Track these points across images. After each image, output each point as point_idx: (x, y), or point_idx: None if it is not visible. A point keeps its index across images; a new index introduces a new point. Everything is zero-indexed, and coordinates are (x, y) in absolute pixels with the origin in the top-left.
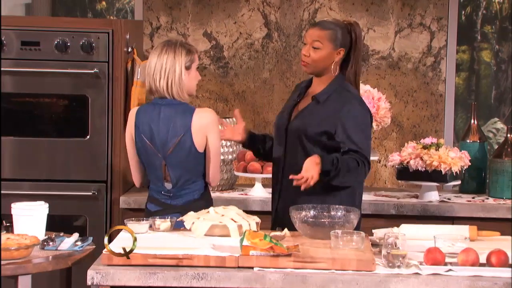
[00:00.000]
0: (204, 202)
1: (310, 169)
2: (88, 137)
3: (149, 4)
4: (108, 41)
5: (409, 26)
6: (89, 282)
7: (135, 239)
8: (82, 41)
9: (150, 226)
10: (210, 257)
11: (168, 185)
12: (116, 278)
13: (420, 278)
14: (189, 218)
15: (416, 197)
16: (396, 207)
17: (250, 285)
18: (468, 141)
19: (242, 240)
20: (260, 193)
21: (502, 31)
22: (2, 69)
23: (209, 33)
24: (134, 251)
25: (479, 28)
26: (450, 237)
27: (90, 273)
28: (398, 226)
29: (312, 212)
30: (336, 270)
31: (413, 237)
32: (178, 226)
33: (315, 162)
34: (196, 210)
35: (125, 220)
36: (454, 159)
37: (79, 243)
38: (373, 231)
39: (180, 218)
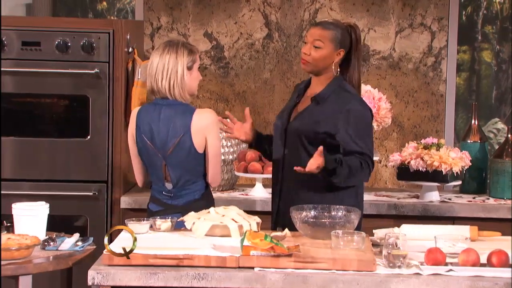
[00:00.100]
0: (205, 202)
1: (315, 160)
2: (88, 137)
3: (149, 4)
4: (108, 41)
5: (410, 26)
6: (89, 282)
7: (135, 239)
8: (83, 41)
9: (151, 226)
10: (211, 257)
11: (169, 185)
12: (117, 278)
13: (420, 278)
14: (190, 218)
15: (417, 197)
16: (397, 207)
17: (250, 285)
18: (468, 141)
19: (242, 240)
20: (261, 193)
21: (503, 31)
22: (2, 69)
23: (210, 33)
24: (135, 251)
25: (480, 28)
26: (451, 237)
27: (91, 273)
28: (398, 226)
29: (312, 212)
30: (336, 270)
31: (414, 237)
32: (178, 226)
33: (319, 153)
34: (197, 210)
35: (125, 220)
36: (455, 159)
37: (79, 243)
38: (373, 231)
39: (181, 218)
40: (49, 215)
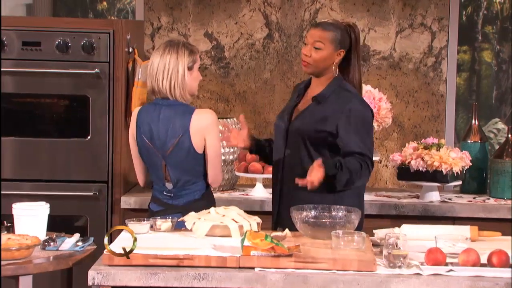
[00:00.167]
0: (205, 202)
1: (315, 172)
2: (89, 137)
3: (150, 4)
4: (109, 41)
5: (410, 26)
6: (90, 283)
7: (135, 239)
8: (83, 41)
9: (151, 227)
10: (211, 258)
11: (169, 185)
12: (117, 279)
13: (421, 279)
14: (190, 218)
15: (417, 197)
16: (397, 207)
17: (251, 285)
18: (469, 141)
19: (243, 240)
20: (261, 194)
21: (503, 32)
22: (3, 69)
23: (210, 34)
24: (135, 251)
25: (480, 29)
26: (451, 238)
27: (91, 273)
28: (399, 226)
29: (313, 213)
30: (337, 270)
31: (414, 237)
32: (179, 227)
33: (318, 164)
34: (197, 210)
35: (126, 221)
36: (455, 159)
37: (80, 243)
38: (374, 231)
39: (181, 218)
40: (49, 215)
